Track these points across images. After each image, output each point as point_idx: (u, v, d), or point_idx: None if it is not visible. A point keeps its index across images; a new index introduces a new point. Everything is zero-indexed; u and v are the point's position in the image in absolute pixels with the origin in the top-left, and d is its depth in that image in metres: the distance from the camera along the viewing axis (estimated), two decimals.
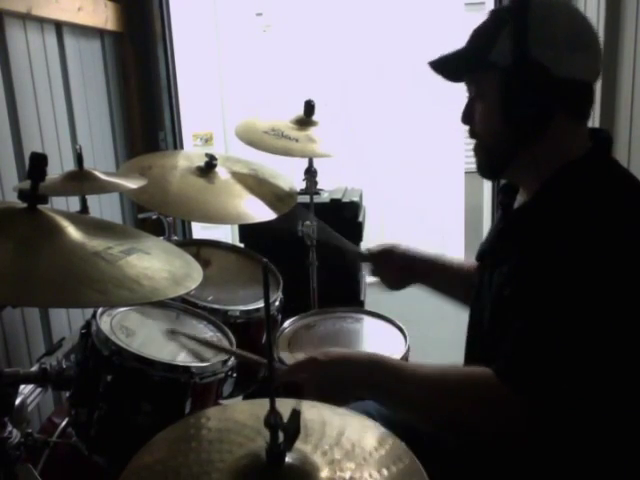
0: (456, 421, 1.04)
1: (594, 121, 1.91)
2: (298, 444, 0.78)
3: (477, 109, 1.14)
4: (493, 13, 1.15)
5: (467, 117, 1.17)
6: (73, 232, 0.93)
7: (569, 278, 0.97)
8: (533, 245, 1.05)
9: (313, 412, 0.91)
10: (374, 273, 1.65)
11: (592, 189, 1.05)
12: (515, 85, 1.06)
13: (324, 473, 0.78)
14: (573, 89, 1.07)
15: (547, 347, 0.97)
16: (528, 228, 1.09)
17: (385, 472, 0.79)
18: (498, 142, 1.12)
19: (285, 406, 0.78)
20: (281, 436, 0.76)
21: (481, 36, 1.13)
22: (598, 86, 1.89)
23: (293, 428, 0.76)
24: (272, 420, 0.76)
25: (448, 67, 1.16)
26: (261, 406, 0.80)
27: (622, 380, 0.99)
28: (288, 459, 0.77)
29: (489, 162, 1.17)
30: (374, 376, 1.09)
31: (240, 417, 0.90)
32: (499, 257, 1.15)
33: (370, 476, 0.78)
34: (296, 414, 0.75)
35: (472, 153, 1.20)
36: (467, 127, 1.18)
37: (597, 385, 0.97)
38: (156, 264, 0.97)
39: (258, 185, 1.90)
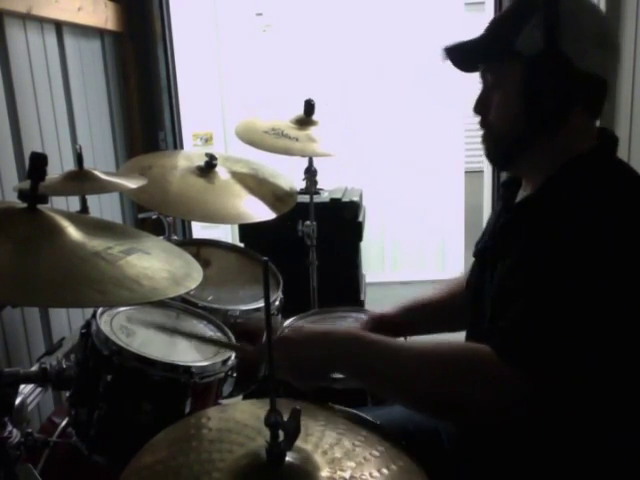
0: (448, 400, 0.98)
1: None
2: (298, 443, 0.78)
3: (493, 99, 1.12)
4: (519, 1, 1.12)
5: (481, 107, 1.15)
6: (73, 232, 0.93)
7: (571, 258, 0.96)
8: (537, 236, 1.04)
9: (313, 412, 0.91)
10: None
11: (598, 183, 1.05)
12: (539, 76, 1.05)
13: (324, 472, 0.78)
14: (594, 85, 1.07)
15: (546, 322, 0.95)
16: (531, 220, 1.09)
17: (385, 471, 0.79)
18: (514, 133, 1.11)
19: (286, 407, 0.79)
20: (281, 435, 0.76)
21: (507, 23, 1.10)
22: None
23: (293, 427, 0.76)
24: (272, 419, 0.76)
25: (467, 55, 1.14)
26: (261, 406, 0.80)
27: (622, 361, 0.98)
28: (288, 458, 0.77)
29: (501, 152, 1.16)
30: (353, 351, 1.04)
31: (240, 417, 0.90)
32: (501, 251, 1.14)
33: (370, 475, 0.79)
34: (296, 413, 0.75)
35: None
36: (479, 117, 1.16)
37: (597, 362, 0.95)
38: (156, 264, 0.97)
39: (258, 185, 1.90)
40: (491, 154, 1.17)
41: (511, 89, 1.09)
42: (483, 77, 1.15)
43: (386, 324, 1.46)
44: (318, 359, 1.07)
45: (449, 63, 1.13)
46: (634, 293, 0.97)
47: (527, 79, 1.06)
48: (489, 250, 1.22)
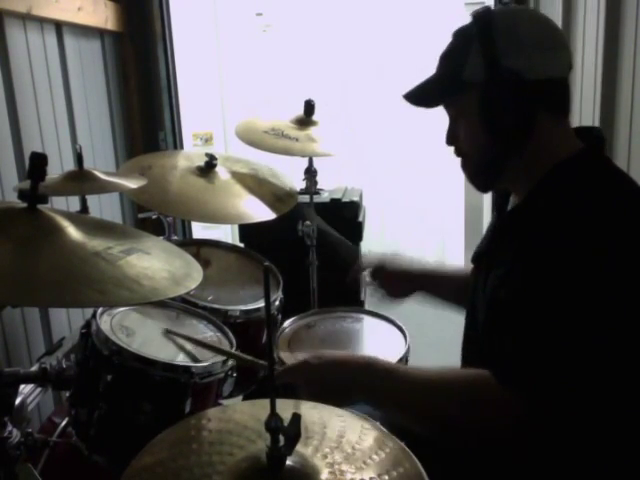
0: (453, 423, 1.03)
1: (594, 121, 1.91)
2: (299, 447, 0.78)
3: (460, 129, 1.16)
4: (458, 34, 1.16)
5: (451, 138, 1.19)
6: (73, 232, 0.93)
7: (564, 275, 0.97)
8: (526, 246, 1.05)
9: (314, 414, 0.91)
10: (373, 283, 1.63)
11: (583, 188, 1.05)
12: (493, 98, 1.08)
13: (324, 476, 0.78)
14: (550, 88, 1.09)
15: (545, 345, 0.96)
16: (520, 229, 1.10)
17: (386, 477, 0.79)
18: (487, 156, 1.14)
19: (286, 408, 0.78)
20: (282, 440, 0.76)
21: (451, 58, 1.14)
22: (598, 85, 1.90)
23: (294, 432, 0.75)
24: (273, 424, 0.76)
25: (424, 96, 1.19)
26: (262, 407, 0.80)
27: (621, 377, 0.99)
28: (289, 462, 0.77)
29: (480, 176, 1.19)
30: (367, 379, 1.08)
31: (241, 419, 0.90)
32: (494, 259, 1.15)
33: (370, 478, 0.78)
34: (297, 418, 0.75)
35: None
36: (452, 148, 1.20)
37: (596, 382, 0.96)
38: (156, 264, 0.97)
39: (258, 185, 1.90)
40: (472, 180, 1.20)
41: (472, 118, 1.12)
42: (446, 111, 1.20)
43: (408, 279, 1.54)
44: (334, 385, 1.10)
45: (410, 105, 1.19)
46: (632, 302, 0.97)
47: (483, 105, 1.09)
48: (484, 255, 1.23)
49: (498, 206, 1.25)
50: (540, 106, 1.08)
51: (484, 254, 1.24)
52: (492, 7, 1.15)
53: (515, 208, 1.17)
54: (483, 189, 1.25)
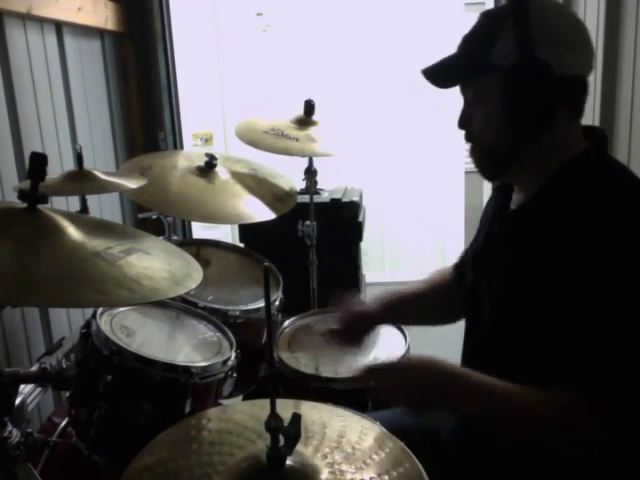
0: (536, 442, 1.00)
1: (594, 121, 1.91)
2: (299, 447, 0.78)
3: (476, 113, 1.12)
4: (488, 14, 1.13)
5: (465, 122, 1.15)
6: (73, 232, 0.93)
7: (615, 276, 0.95)
8: (543, 246, 1.03)
9: (314, 414, 0.91)
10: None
11: (595, 184, 1.05)
12: (519, 86, 1.04)
13: (324, 476, 0.78)
14: (574, 86, 1.07)
15: (623, 349, 0.95)
16: (531, 229, 1.08)
17: (386, 477, 0.79)
18: (501, 144, 1.10)
19: (286, 408, 0.78)
20: (282, 440, 0.76)
21: (477, 39, 1.10)
22: (598, 85, 1.90)
23: (294, 432, 0.75)
24: (273, 424, 0.76)
25: (445, 74, 1.14)
26: (261, 408, 0.80)
27: None
28: (289, 462, 0.77)
29: (491, 164, 1.15)
30: (444, 390, 1.06)
31: (241, 419, 0.90)
32: (500, 258, 1.14)
33: (370, 478, 0.78)
34: (297, 418, 0.75)
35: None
36: (463, 132, 1.16)
37: None
38: (156, 264, 0.97)
39: (258, 185, 1.90)
40: (480, 167, 1.17)
41: (492, 102, 1.08)
42: (463, 93, 1.15)
43: (364, 319, 1.45)
44: (419, 390, 1.07)
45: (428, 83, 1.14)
46: None
47: (507, 91, 1.06)
48: (484, 254, 1.22)
49: (499, 204, 1.23)
50: (562, 102, 1.06)
51: (486, 253, 1.22)
52: None
53: (522, 207, 1.14)
54: (491, 177, 1.22)
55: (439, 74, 1.14)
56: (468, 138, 1.16)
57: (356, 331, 1.47)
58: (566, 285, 0.98)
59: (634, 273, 0.96)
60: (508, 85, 1.05)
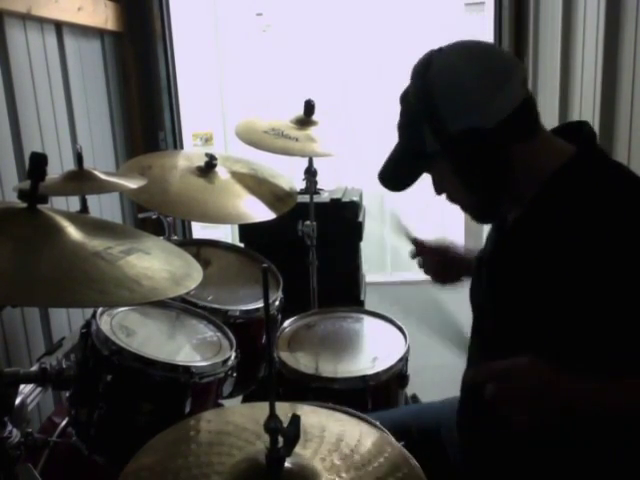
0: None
1: (594, 121, 1.91)
2: (297, 449, 0.78)
3: (444, 185, 1.16)
4: (403, 102, 1.15)
5: (439, 191, 1.19)
6: (73, 232, 0.93)
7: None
8: (550, 251, 1.03)
9: (313, 417, 0.91)
10: (423, 267, 1.57)
11: (591, 187, 1.04)
12: (459, 161, 1.07)
13: (323, 479, 0.78)
14: (512, 122, 1.05)
15: None
16: (532, 237, 1.08)
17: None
18: (476, 205, 1.14)
19: (284, 410, 0.78)
20: (281, 441, 0.76)
21: (408, 134, 1.14)
22: (598, 85, 1.90)
23: (293, 433, 0.75)
24: (272, 425, 0.76)
25: (398, 179, 1.19)
26: (260, 409, 0.80)
27: None
28: (287, 464, 0.77)
29: (479, 216, 1.19)
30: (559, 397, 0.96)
31: (240, 420, 0.90)
32: (499, 267, 1.15)
33: None
34: (296, 419, 0.75)
35: None
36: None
37: None
38: (156, 264, 0.97)
39: (258, 185, 1.90)
40: (475, 218, 1.19)
41: (448, 180, 1.13)
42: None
43: (455, 255, 1.49)
44: (533, 395, 0.96)
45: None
46: None
47: (455, 169, 1.09)
48: (485, 261, 1.22)
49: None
50: (509, 142, 1.05)
51: (485, 261, 1.22)
52: (430, 56, 1.09)
53: (519, 218, 1.14)
54: (484, 223, 1.26)
55: (393, 180, 1.19)
56: (450, 201, 1.19)
57: (446, 272, 1.49)
58: (580, 285, 0.98)
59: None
60: (452, 164, 1.09)
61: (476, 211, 1.17)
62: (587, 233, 0.99)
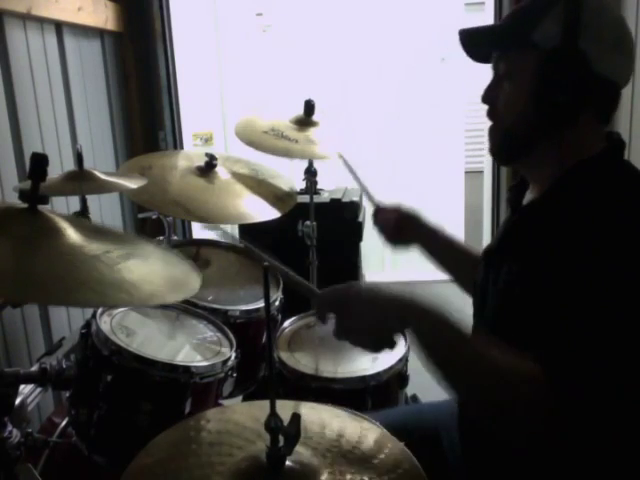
0: (490, 405, 0.94)
1: None
2: (298, 447, 0.78)
3: (504, 89, 1.09)
4: None
5: (490, 96, 1.11)
6: (73, 234, 0.93)
7: (602, 273, 0.94)
8: (549, 242, 1.02)
9: (313, 415, 0.91)
10: (376, 224, 1.58)
11: (606, 187, 1.02)
12: (553, 71, 1.01)
13: (324, 476, 0.78)
14: (607, 89, 1.04)
15: (598, 344, 0.92)
16: (539, 225, 1.07)
17: (385, 478, 0.79)
18: (521, 126, 1.08)
19: (285, 408, 0.78)
20: (281, 440, 0.76)
21: (525, 12, 1.07)
22: None
23: (293, 432, 0.75)
24: (272, 424, 0.76)
25: (481, 39, 1.11)
26: (261, 408, 0.80)
27: None
28: (288, 462, 0.77)
29: (507, 145, 1.12)
30: (409, 324, 0.95)
31: (240, 419, 0.90)
32: (507, 254, 1.13)
33: (370, 479, 0.78)
34: (296, 418, 0.75)
35: (472, 152, 1.18)
36: (487, 107, 1.13)
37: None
38: (154, 270, 0.97)
39: (258, 185, 1.90)
40: (496, 148, 1.14)
41: (523, 80, 1.05)
42: (495, 65, 1.12)
43: (410, 219, 1.52)
44: (371, 322, 0.96)
45: (463, 53, 1.10)
46: None
47: (540, 72, 1.03)
48: (495, 251, 1.21)
49: (513, 202, 1.21)
50: (591, 102, 1.03)
51: (495, 250, 1.22)
52: None
53: (532, 203, 1.12)
54: (504, 161, 1.19)
55: (475, 38, 1.11)
56: (490, 114, 1.13)
57: (397, 233, 1.52)
58: (560, 282, 0.98)
59: (628, 275, 0.95)
60: (542, 67, 1.02)
61: (510, 136, 1.10)
62: (581, 231, 0.98)
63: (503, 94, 1.09)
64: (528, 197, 1.17)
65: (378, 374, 1.53)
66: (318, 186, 2.20)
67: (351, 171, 1.72)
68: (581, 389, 0.92)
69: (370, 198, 1.68)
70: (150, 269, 0.95)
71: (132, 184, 1.54)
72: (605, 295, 0.94)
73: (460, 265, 1.46)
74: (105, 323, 1.34)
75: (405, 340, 1.66)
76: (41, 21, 2.02)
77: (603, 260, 0.95)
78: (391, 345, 1.00)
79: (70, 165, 2.01)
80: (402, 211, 1.54)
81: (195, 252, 1.83)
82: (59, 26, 2.15)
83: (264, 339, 1.70)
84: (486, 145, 1.18)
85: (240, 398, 1.76)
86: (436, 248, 1.52)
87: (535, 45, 1.03)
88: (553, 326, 0.96)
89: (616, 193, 1.02)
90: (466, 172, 4.47)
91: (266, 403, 0.77)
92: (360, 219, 2.86)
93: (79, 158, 1.58)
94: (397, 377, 1.59)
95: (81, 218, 1.60)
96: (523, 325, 1.04)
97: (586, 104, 1.04)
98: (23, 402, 1.41)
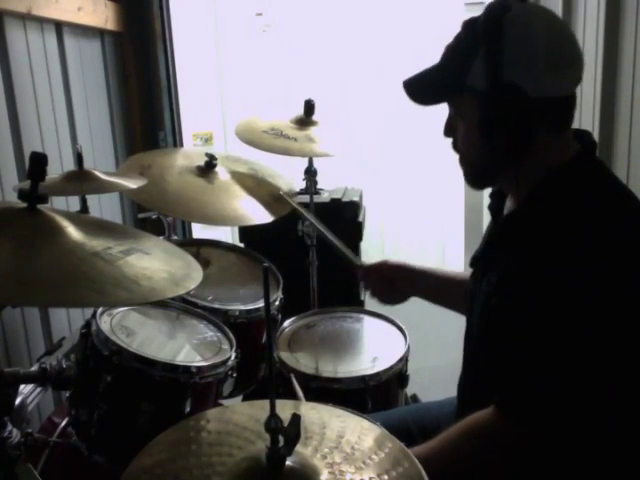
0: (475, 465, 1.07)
1: (594, 122, 1.91)
2: (298, 447, 0.78)
3: (458, 128, 1.13)
4: (467, 29, 1.09)
5: (448, 131, 1.16)
6: (73, 232, 0.93)
7: (562, 294, 0.96)
8: (520, 255, 1.04)
9: (313, 415, 0.91)
10: (367, 288, 1.62)
11: (579, 196, 1.03)
12: (492, 108, 1.04)
13: (324, 476, 0.78)
14: (554, 107, 1.05)
15: (547, 376, 0.97)
16: (515, 236, 1.08)
17: (385, 477, 0.79)
18: (481, 159, 1.11)
19: (285, 408, 0.78)
20: (281, 440, 0.76)
21: (456, 58, 1.09)
22: (598, 87, 1.90)
23: (293, 432, 0.75)
24: (272, 424, 0.76)
25: (423, 90, 1.14)
26: (261, 408, 0.80)
27: (624, 391, 0.98)
28: (288, 462, 0.77)
29: (474, 176, 1.17)
30: None
31: (240, 419, 0.90)
32: (488, 264, 1.15)
33: (370, 479, 0.78)
34: (296, 418, 0.75)
35: None
36: (450, 140, 1.17)
37: (599, 403, 0.96)
38: (155, 264, 0.97)
39: (258, 185, 1.90)
40: (466, 177, 1.17)
41: (471, 122, 1.09)
42: (448, 105, 1.16)
43: (397, 273, 1.54)
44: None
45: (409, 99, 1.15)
46: (629, 319, 0.96)
47: (481, 112, 1.05)
48: (479, 260, 1.22)
49: (494, 210, 1.23)
50: (539, 124, 1.04)
51: (480, 259, 1.23)
52: (511, 2, 1.04)
53: (510, 214, 1.15)
54: (475, 188, 1.22)
55: (418, 89, 1.14)
56: (454, 148, 1.17)
57: (388, 290, 1.54)
58: (527, 297, 0.99)
59: (593, 291, 0.95)
60: (482, 107, 1.05)
61: (474, 169, 1.14)
62: (565, 244, 0.98)
63: (459, 132, 1.13)
64: (508, 206, 1.18)
65: (378, 374, 1.53)
66: (318, 186, 2.19)
67: (325, 235, 1.73)
68: (540, 401, 0.97)
69: (351, 261, 1.69)
70: (151, 263, 0.95)
71: (132, 184, 1.54)
72: (567, 314, 0.96)
73: (460, 297, 1.47)
74: (105, 323, 1.34)
75: (405, 340, 1.66)
76: (41, 21, 2.02)
77: (565, 277, 0.96)
78: None
79: (70, 165, 2.01)
80: (389, 265, 1.56)
81: (195, 252, 1.83)
82: (59, 26, 2.15)
83: (264, 339, 1.70)
84: None
85: (240, 398, 1.76)
86: (432, 292, 1.54)
87: (471, 89, 1.05)
88: (511, 346, 1.00)
89: (588, 202, 1.02)
90: None
91: (266, 403, 0.77)
92: (360, 219, 2.86)
93: (79, 158, 1.58)
94: (397, 377, 1.58)
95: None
96: (497, 343, 1.06)
97: (536, 127, 1.05)
98: (23, 402, 1.41)
